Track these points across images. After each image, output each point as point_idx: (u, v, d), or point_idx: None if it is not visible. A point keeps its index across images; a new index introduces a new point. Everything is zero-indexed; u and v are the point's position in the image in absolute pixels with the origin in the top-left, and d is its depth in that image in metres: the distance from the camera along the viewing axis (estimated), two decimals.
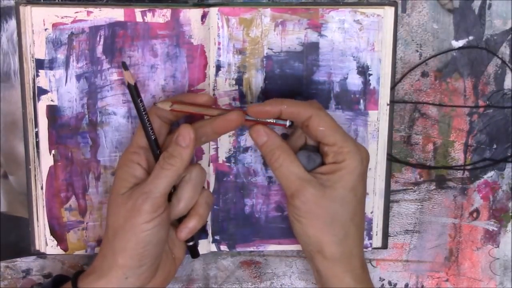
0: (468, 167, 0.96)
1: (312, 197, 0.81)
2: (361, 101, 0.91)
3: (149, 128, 0.81)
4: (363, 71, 0.90)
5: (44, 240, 0.92)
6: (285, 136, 0.90)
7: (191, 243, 0.88)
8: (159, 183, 0.79)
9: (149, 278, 0.82)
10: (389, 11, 0.89)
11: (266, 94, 0.90)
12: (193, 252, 0.90)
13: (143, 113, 0.81)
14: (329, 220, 0.82)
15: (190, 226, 0.84)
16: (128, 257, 0.79)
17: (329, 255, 0.83)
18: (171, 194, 0.83)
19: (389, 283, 0.98)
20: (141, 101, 0.82)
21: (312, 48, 0.90)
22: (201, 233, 0.93)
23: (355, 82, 0.90)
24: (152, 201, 0.78)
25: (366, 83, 0.90)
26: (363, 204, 0.85)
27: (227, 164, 0.92)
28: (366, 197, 0.86)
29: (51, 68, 0.88)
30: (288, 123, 0.83)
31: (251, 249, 0.95)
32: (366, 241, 0.94)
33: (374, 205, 0.94)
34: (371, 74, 0.90)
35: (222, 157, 0.92)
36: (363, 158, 0.82)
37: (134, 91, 0.81)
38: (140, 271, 0.80)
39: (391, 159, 0.94)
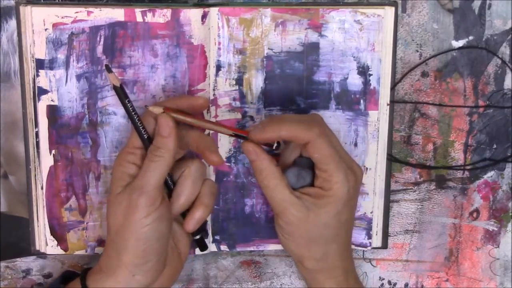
0: (468, 167, 0.96)
1: (295, 219, 0.83)
2: (361, 101, 0.91)
3: (141, 127, 0.81)
4: (363, 71, 0.90)
5: (44, 240, 0.92)
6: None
7: (198, 237, 0.88)
8: (150, 176, 0.79)
9: (156, 274, 0.82)
10: (389, 11, 0.89)
11: (266, 94, 0.90)
12: (201, 245, 0.90)
13: (133, 113, 0.81)
14: (310, 240, 0.85)
15: (197, 216, 0.85)
16: (132, 255, 0.80)
17: (309, 268, 0.87)
18: (172, 190, 0.84)
19: (389, 282, 0.98)
20: (129, 101, 0.81)
21: (312, 48, 0.90)
22: (202, 233, 0.93)
23: (355, 82, 0.90)
24: (147, 195, 0.79)
25: (366, 83, 0.90)
26: (349, 224, 0.87)
27: (227, 164, 0.92)
28: (354, 215, 0.88)
29: (51, 68, 0.88)
30: (275, 145, 0.84)
31: (251, 248, 0.95)
32: (366, 241, 0.95)
33: (374, 205, 0.94)
34: (372, 74, 0.90)
35: (222, 157, 0.92)
36: (351, 187, 0.83)
37: (121, 92, 0.81)
38: (146, 267, 0.81)
39: (391, 159, 0.94)
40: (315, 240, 0.84)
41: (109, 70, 0.80)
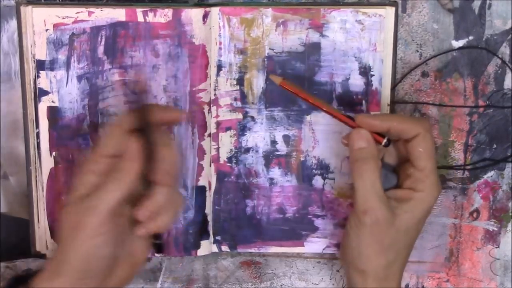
0: (468, 167, 0.96)
1: (383, 220, 0.81)
2: (363, 102, 0.91)
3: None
4: (365, 71, 0.90)
5: (45, 243, 0.91)
6: None
7: (158, 241, 0.83)
8: (105, 197, 0.74)
9: (100, 283, 0.78)
10: (390, 11, 0.89)
11: (267, 95, 0.90)
12: (158, 248, 0.84)
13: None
14: (388, 246, 0.82)
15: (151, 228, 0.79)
16: (71, 270, 0.75)
17: (371, 275, 0.84)
18: None
19: None
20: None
21: (313, 48, 0.90)
22: (203, 234, 0.93)
23: (357, 82, 0.91)
24: (98, 216, 0.74)
25: (368, 83, 0.90)
26: (417, 237, 0.86)
27: (228, 164, 0.92)
28: None
29: (52, 69, 0.88)
30: (385, 141, 0.83)
31: (252, 250, 0.95)
32: None
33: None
34: (373, 75, 0.90)
35: (223, 157, 0.92)
36: (437, 197, 0.83)
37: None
38: (86, 281, 0.76)
39: None
40: (392, 246, 0.83)
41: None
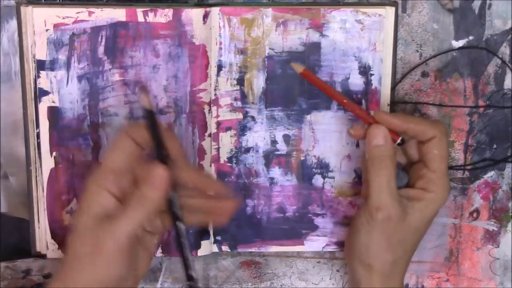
0: (468, 167, 0.96)
1: (395, 218, 0.82)
2: (363, 101, 0.91)
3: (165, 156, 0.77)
4: (365, 71, 0.90)
5: (45, 243, 0.92)
6: None
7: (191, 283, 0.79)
8: (126, 223, 0.74)
9: None
10: (390, 11, 0.89)
11: (267, 95, 0.90)
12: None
13: (158, 140, 0.77)
14: (397, 243, 0.84)
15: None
16: None
17: (377, 271, 0.85)
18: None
19: None
20: (158, 126, 0.77)
21: (313, 48, 0.90)
22: (203, 234, 0.93)
23: (357, 82, 0.91)
24: (117, 243, 0.73)
25: (368, 83, 0.90)
26: (423, 235, 0.88)
27: (229, 164, 0.92)
28: None
29: (52, 69, 0.88)
30: (399, 140, 0.84)
31: (253, 250, 0.95)
32: None
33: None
34: (373, 74, 0.90)
35: (223, 157, 0.92)
36: (446, 199, 0.85)
37: (152, 117, 0.78)
38: None
39: None
40: (399, 243, 0.85)
41: (144, 90, 0.78)
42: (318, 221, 0.94)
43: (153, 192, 0.74)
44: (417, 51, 0.93)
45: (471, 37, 0.92)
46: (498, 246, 0.98)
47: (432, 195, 0.83)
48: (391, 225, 0.83)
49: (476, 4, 0.92)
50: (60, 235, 0.92)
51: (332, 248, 0.95)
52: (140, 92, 0.78)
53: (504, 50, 0.93)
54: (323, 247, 0.95)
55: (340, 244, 0.95)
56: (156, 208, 0.74)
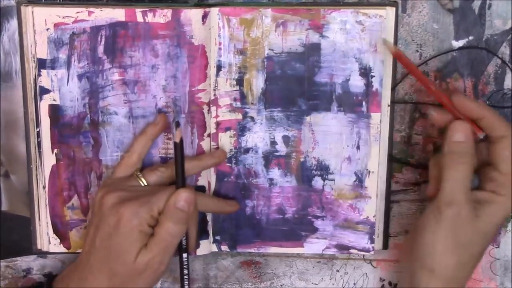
0: None
1: (465, 217, 0.80)
2: (364, 103, 0.91)
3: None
4: (365, 72, 0.90)
5: (47, 238, 0.92)
6: None
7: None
8: (161, 256, 0.80)
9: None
10: (390, 12, 0.89)
11: (267, 95, 0.90)
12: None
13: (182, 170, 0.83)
14: (464, 245, 0.81)
15: None
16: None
17: (439, 274, 0.82)
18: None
19: (390, 283, 0.98)
20: (182, 158, 0.83)
21: (313, 49, 0.89)
22: (202, 233, 0.93)
23: (357, 83, 0.90)
24: (157, 274, 0.81)
25: (368, 84, 0.90)
26: (490, 241, 0.86)
27: (228, 164, 0.92)
28: None
29: (53, 68, 0.88)
30: (482, 135, 0.82)
31: (252, 250, 0.95)
32: (369, 245, 0.94)
33: (376, 208, 0.94)
34: (374, 76, 0.90)
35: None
36: None
37: (179, 148, 0.82)
38: None
39: (392, 160, 0.94)
40: (467, 245, 0.81)
41: (178, 126, 0.82)
42: (317, 223, 0.94)
43: (183, 215, 0.81)
44: (417, 51, 0.92)
45: (471, 37, 0.92)
46: (498, 246, 0.98)
47: (502, 199, 0.81)
48: (460, 224, 0.80)
49: (476, 4, 0.91)
50: (61, 230, 0.93)
51: (331, 251, 0.95)
52: (175, 127, 0.82)
53: (504, 50, 0.92)
54: (322, 250, 0.95)
55: (340, 247, 0.95)
56: (179, 239, 0.83)
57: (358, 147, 0.92)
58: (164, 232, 0.79)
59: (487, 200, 0.81)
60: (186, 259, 0.86)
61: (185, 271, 0.86)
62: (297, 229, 0.94)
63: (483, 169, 0.84)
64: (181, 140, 0.82)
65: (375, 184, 0.93)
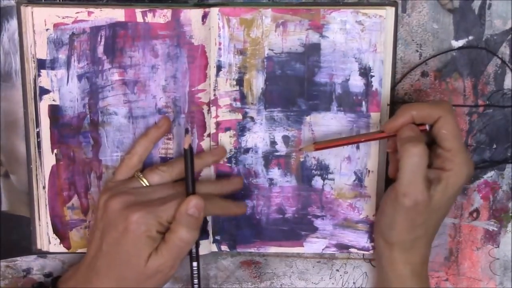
0: None
1: (421, 203, 0.83)
2: (363, 103, 0.91)
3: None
4: (365, 72, 0.90)
5: (47, 238, 0.92)
6: None
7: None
8: (171, 263, 0.82)
9: None
10: (390, 12, 0.89)
11: (266, 95, 0.90)
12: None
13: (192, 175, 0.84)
14: (419, 224, 0.85)
15: None
16: None
17: (398, 246, 0.87)
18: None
19: None
20: (192, 164, 0.85)
21: (313, 49, 0.89)
22: (202, 233, 0.93)
23: (357, 83, 0.90)
24: (166, 277, 0.83)
25: (368, 84, 0.90)
26: (446, 214, 0.89)
27: (228, 164, 0.92)
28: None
29: (52, 68, 0.88)
30: (427, 127, 0.84)
31: (252, 250, 0.95)
32: (368, 244, 0.95)
33: (376, 207, 0.94)
34: (373, 76, 0.90)
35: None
36: (469, 175, 0.84)
37: (189, 155, 0.84)
38: None
39: None
40: (422, 223, 0.85)
41: (187, 132, 0.85)
42: (317, 223, 0.94)
43: (195, 221, 0.82)
44: (417, 51, 0.92)
45: (471, 37, 0.92)
46: (498, 246, 0.98)
47: (450, 173, 0.83)
48: (416, 210, 0.83)
49: (476, 4, 0.91)
50: (61, 230, 0.93)
51: (331, 250, 0.95)
52: (185, 134, 0.84)
53: (504, 50, 0.92)
54: (322, 249, 0.95)
55: (340, 247, 0.95)
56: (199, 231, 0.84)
57: (357, 147, 0.92)
58: (176, 239, 0.80)
59: (437, 177, 0.84)
60: (196, 268, 0.87)
61: (195, 280, 0.87)
62: (297, 228, 0.94)
63: (430, 148, 0.85)
64: (191, 147, 0.83)
65: (375, 183, 0.93)
